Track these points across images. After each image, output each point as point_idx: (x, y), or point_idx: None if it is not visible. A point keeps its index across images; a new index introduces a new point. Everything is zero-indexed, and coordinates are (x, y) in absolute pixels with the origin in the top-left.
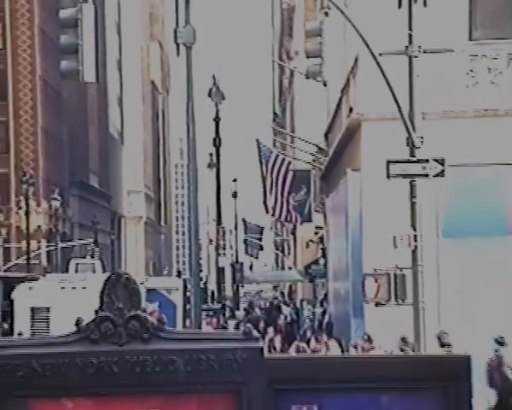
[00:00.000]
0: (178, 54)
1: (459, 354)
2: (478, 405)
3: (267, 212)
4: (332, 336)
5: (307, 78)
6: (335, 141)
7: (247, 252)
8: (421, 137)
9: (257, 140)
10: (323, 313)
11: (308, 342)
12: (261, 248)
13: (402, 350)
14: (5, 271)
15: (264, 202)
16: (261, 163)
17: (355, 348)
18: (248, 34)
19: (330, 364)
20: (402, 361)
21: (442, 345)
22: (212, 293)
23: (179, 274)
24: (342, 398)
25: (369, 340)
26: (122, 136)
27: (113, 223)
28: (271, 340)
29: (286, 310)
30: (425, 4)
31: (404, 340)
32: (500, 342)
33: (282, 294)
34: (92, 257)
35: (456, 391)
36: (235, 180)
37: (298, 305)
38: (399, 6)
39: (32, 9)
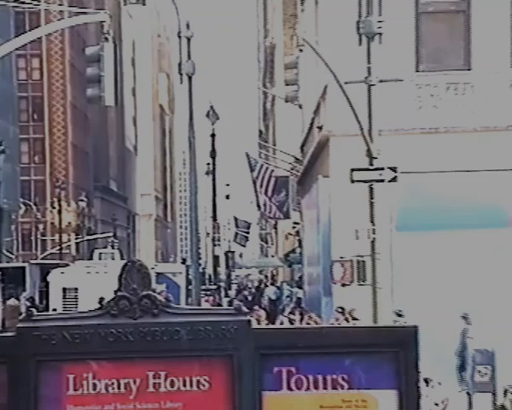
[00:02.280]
0: (182, 82)
1: (408, 325)
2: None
3: (259, 209)
4: (301, 308)
5: (286, 102)
6: (309, 153)
7: (237, 243)
8: (378, 150)
9: (246, 153)
10: (299, 298)
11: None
12: (248, 239)
13: (395, 321)
14: (42, 259)
15: (257, 201)
16: (252, 171)
17: (336, 319)
18: (239, 67)
19: (305, 333)
20: (362, 331)
21: (397, 318)
22: (209, 276)
23: (184, 261)
24: (315, 360)
25: (343, 311)
26: (136, 149)
27: (128, 220)
28: (258, 314)
29: (271, 289)
30: (380, 42)
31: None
32: (399, 315)
33: (266, 277)
34: (112, 247)
35: (405, 355)
36: (227, 185)
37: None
38: (360, 44)
39: (63, 48)
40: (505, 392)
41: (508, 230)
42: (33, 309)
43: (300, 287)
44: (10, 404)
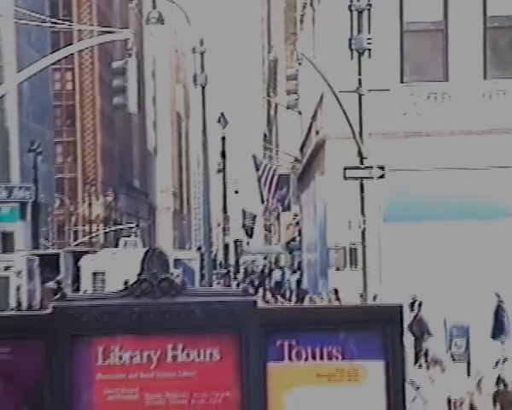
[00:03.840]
0: (196, 91)
1: (394, 304)
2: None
3: (262, 202)
4: (301, 289)
5: (287, 109)
6: (307, 153)
7: (246, 232)
8: (368, 151)
9: (252, 155)
10: (299, 279)
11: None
12: (254, 229)
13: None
14: (74, 246)
15: (261, 196)
16: (257, 170)
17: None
18: (246, 78)
19: (304, 311)
20: (354, 309)
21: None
22: (220, 262)
23: (199, 249)
24: (312, 335)
25: (336, 292)
26: (156, 150)
27: (149, 212)
28: (264, 295)
29: (277, 273)
30: (369, 57)
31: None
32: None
33: (270, 262)
34: (135, 237)
35: (391, 331)
36: (236, 182)
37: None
38: (351, 58)
39: (93, 62)
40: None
41: (480, 222)
42: (60, 291)
43: (295, 272)
44: (48, 374)
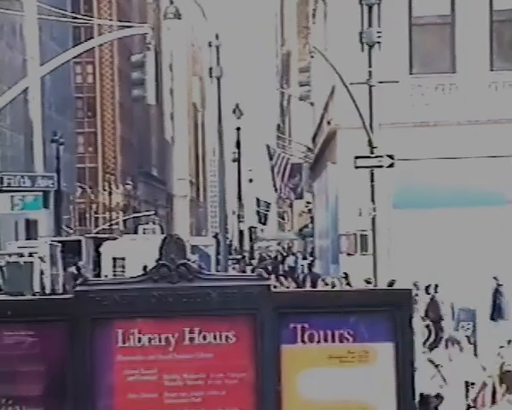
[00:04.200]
0: (212, 83)
1: (403, 288)
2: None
3: (276, 191)
4: (313, 273)
5: (300, 100)
6: (319, 143)
7: (259, 220)
8: (378, 140)
9: (266, 145)
10: (310, 263)
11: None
12: (268, 216)
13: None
14: (95, 233)
15: (274, 185)
16: (270, 159)
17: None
18: (260, 71)
19: (316, 295)
20: (365, 293)
21: (391, 284)
22: (235, 248)
23: (216, 235)
24: (324, 318)
25: (346, 277)
26: (173, 140)
27: (167, 200)
28: (277, 280)
29: (291, 258)
30: (379, 49)
31: (368, 281)
32: (368, 282)
33: (283, 248)
34: (153, 224)
35: (400, 314)
36: (250, 170)
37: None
38: (362, 51)
39: (112, 56)
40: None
41: (486, 209)
42: (80, 275)
43: (305, 258)
44: (71, 355)
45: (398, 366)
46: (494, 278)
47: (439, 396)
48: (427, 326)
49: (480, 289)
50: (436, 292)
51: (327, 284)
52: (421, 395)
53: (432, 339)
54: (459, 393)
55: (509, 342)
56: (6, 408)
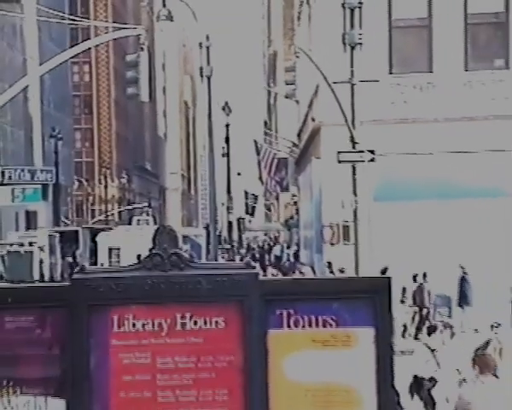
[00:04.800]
0: (202, 82)
1: (383, 276)
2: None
3: (262, 184)
4: (299, 261)
5: (286, 98)
6: (304, 139)
7: (247, 211)
8: (359, 136)
9: (254, 140)
10: (296, 252)
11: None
12: (255, 208)
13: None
14: (92, 224)
15: (261, 178)
16: (258, 154)
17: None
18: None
19: (301, 282)
20: (347, 280)
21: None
22: (225, 238)
23: (206, 226)
24: (309, 304)
25: (330, 266)
26: (166, 136)
27: (160, 193)
28: (264, 268)
29: (277, 248)
30: (361, 50)
31: (341, 270)
32: (342, 271)
33: (270, 238)
34: (147, 215)
35: (380, 301)
36: (239, 164)
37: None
38: (344, 51)
39: (108, 56)
40: (492, 327)
41: (460, 201)
42: (76, 264)
43: (289, 247)
44: (69, 339)
45: (379, 350)
46: (460, 266)
47: (432, 379)
48: (415, 313)
49: (455, 277)
50: (425, 281)
51: (301, 272)
52: (416, 377)
53: (417, 325)
54: (452, 376)
55: (476, 330)
56: (8, 390)
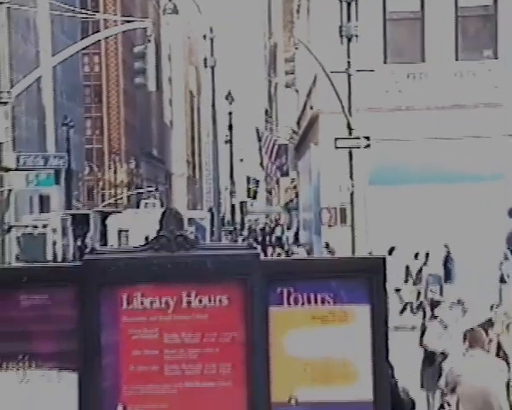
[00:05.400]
0: (206, 72)
1: (379, 256)
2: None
3: (263, 169)
4: (298, 242)
5: (286, 87)
6: (303, 126)
7: (249, 195)
8: (356, 123)
9: (256, 128)
10: (296, 233)
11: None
12: (257, 193)
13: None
14: (102, 207)
15: (261, 164)
16: (259, 141)
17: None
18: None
19: (301, 262)
20: (344, 260)
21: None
22: (228, 221)
23: (210, 209)
24: (308, 283)
25: (328, 246)
26: (172, 123)
27: (166, 177)
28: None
29: (279, 229)
30: (357, 41)
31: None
32: (327, 245)
33: (271, 221)
34: (154, 199)
35: (376, 279)
36: (241, 150)
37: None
38: (341, 42)
39: (117, 48)
40: (491, 307)
41: (450, 185)
42: (84, 245)
43: (289, 228)
44: (80, 317)
45: (374, 326)
46: (445, 245)
47: (443, 354)
48: (419, 292)
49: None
50: (427, 260)
51: (293, 253)
52: (426, 351)
53: (418, 302)
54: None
55: (464, 311)
56: (23, 364)
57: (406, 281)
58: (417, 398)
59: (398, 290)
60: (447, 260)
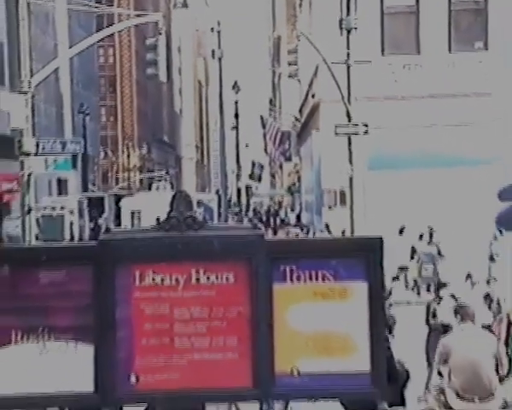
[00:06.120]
0: (214, 63)
1: (376, 236)
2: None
3: (267, 154)
4: (301, 223)
5: (289, 77)
6: (305, 114)
7: (254, 179)
8: (354, 112)
9: (260, 116)
10: (298, 214)
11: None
12: (262, 176)
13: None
14: (116, 190)
15: (265, 149)
16: (263, 128)
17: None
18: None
19: (303, 242)
20: (343, 240)
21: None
22: (234, 203)
23: (218, 192)
24: (309, 261)
25: (328, 227)
26: (181, 112)
27: (176, 162)
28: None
29: (282, 211)
30: (356, 33)
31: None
32: (327, 226)
33: (275, 203)
34: (165, 182)
35: (373, 258)
36: (247, 136)
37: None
38: (341, 34)
39: (130, 40)
40: (488, 281)
41: (443, 169)
42: (97, 226)
43: (293, 210)
44: (96, 293)
45: (371, 302)
46: (428, 226)
47: (446, 327)
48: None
49: (440, 237)
50: (431, 239)
51: (287, 234)
52: (430, 327)
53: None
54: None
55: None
56: (42, 336)
57: (412, 258)
58: (423, 373)
59: (403, 269)
60: (431, 240)
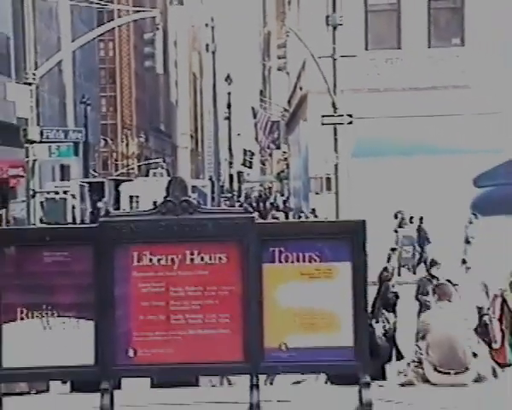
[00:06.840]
0: (208, 56)
1: (359, 219)
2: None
3: (258, 142)
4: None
5: (278, 70)
6: (294, 105)
7: (245, 166)
8: (339, 103)
9: (252, 107)
10: (285, 199)
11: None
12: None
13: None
14: (116, 176)
15: (256, 138)
16: (254, 118)
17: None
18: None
19: (291, 224)
20: (329, 223)
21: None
22: (226, 188)
23: (211, 178)
24: (296, 243)
25: (314, 212)
26: (177, 102)
27: (172, 150)
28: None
29: (272, 196)
30: (341, 29)
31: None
32: (313, 210)
33: (265, 188)
34: (162, 168)
35: (357, 240)
36: (238, 126)
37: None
38: (327, 30)
39: (129, 35)
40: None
41: (423, 157)
42: (96, 209)
43: (282, 195)
44: (96, 272)
45: (355, 281)
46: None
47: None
48: (415, 252)
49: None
50: (421, 223)
51: (275, 218)
52: (421, 303)
53: (417, 262)
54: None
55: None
56: (46, 312)
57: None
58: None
59: (393, 250)
60: (421, 229)
